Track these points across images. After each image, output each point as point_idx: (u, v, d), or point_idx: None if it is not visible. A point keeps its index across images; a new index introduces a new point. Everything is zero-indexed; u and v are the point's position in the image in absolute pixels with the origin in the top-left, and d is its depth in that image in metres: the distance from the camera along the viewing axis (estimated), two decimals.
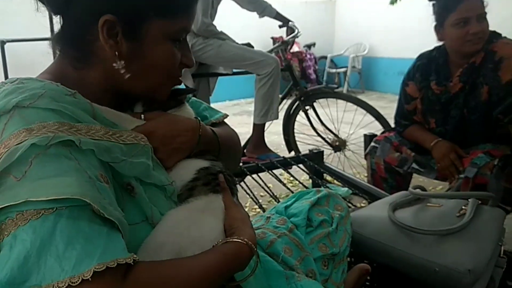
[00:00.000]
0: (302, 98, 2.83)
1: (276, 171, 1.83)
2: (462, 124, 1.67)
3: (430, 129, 1.79)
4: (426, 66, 1.75)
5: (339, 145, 2.92)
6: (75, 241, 0.48)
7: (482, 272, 0.99)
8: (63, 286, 0.46)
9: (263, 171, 1.79)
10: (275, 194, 1.61)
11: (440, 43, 1.72)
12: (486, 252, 1.02)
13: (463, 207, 1.13)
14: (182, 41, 0.72)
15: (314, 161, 1.85)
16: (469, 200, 1.15)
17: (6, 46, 4.30)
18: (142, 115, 0.73)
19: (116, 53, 0.64)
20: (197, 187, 0.72)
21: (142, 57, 0.67)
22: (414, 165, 1.82)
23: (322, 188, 1.11)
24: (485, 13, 1.56)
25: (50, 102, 0.57)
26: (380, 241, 1.10)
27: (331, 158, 2.77)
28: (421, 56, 1.80)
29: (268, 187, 1.66)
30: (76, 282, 0.46)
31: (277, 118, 2.58)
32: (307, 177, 1.92)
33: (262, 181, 1.69)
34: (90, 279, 0.46)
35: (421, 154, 1.80)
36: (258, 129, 2.58)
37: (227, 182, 0.77)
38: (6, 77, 4.27)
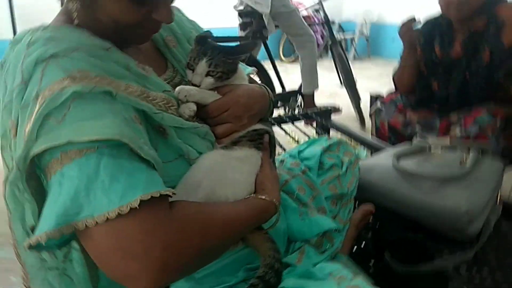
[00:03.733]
0: None
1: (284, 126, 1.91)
2: (464, 87, 1.72)
3: (433, 91, 1.84)
4: (430, 32, 1.79)
5: None
6: (119, 176, 0.52)
7: (478, 215, 1.07)
8: (113, 216, 0.50)
9: (272, 125, 1.86)
10: (283, 147, 1.69)
11: None
12: (483, 198, 1.10)
13: (464, 158, 1.20)
14: None
15: (322, 118, 1.92)
16: (470, 152, 1.22)
17: (15, 0, 4.27)
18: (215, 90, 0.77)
19: None
20: (241, 141, 0.77)
21: (95, 6, 0.62)
22: (417, 128, 1.88)
23: (333, 136, 1.18)
24: None
25: (86, 56, 0.60)
26: (384, 185, 1.18)
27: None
28: (426, 23, 1.84)
29: (277, 141, 1.73)
30: (124, 211, 0.50)
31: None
32: (315, 133, 1.99)
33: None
34: (137, 207, 0.50)
35: (422, 110, 1.86)
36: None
37: (270, 143, 0.83)
38: (14, 30, 4.27)
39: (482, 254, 1.09)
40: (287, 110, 3.29)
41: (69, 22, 0.66)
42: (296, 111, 2.99)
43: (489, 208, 1.14)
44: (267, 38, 3.08)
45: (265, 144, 0.81)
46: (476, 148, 1.24)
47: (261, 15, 2.88)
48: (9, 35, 4.31)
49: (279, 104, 3.27)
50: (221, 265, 0.74)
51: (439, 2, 1.68)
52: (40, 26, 0.64)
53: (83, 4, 0.63)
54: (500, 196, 1.22)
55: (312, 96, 3.19)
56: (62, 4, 0.69)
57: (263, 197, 0.72)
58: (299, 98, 3.28)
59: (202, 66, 0.75)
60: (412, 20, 1.82)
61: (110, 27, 0.65)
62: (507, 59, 1.56)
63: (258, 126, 0.81)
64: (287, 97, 3.26)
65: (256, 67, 2.46)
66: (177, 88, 0.72)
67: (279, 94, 3.24)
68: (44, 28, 0.63)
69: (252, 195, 0.73)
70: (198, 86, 0.76)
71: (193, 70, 0.76)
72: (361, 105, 3.46)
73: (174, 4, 0.69)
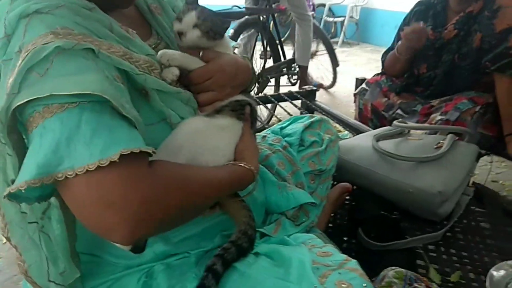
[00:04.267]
0: None
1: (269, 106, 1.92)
2: (452, 69, 1.74)
3: (420, 74, 1.86)
4: (423, 12, 1.80)
5: None
6: (100, 131, 0.53)
7: (450, 196, 1.12)
8: (92, 168, 0.50)
9: (258, 104, 1.87)
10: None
11: None
12: (456, 179, 1.14)
13: (440, 141, 1.24)
14: None
15: (307, 98, 1.93)
16: (447, 135, 1.26)
17: None
18: (200, 53, 0.77)
19: None
20: (224, 110, 0.78)
21: None
22: (399, 111, 1.91)
23: (315, 115, 1.19)
24: None
25: (70, 14, 0.60)
26: (362, 165, 1.21)
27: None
28: (419, 3, 1.84)
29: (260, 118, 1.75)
30: (104, 164, 0.50)
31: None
32: (299, 113, 2.01)
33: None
34: (117, 160, 0.51)
35: (406, 94, 1.89)
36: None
37: (251, 115, 0.84)
38: None
39: (451, 234, 1.14)
40: (287, 77, 3.64)
41: None
42: (295, 77, 3.44)
43: (461, 190, 1.18)
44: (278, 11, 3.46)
45: (246, 115, 0.82)
46: (454, 132, 1.27)
47: None
48: None
49: (274, 74, 3.46)
50: (198, 230, 0.76)
51: None
52: None
53: None
54: (472, 179, 1.26)
55: (306, 67, 3.59)
56: None
57: (242, 164, 0.74)
58: (297, 67, 3.60)
59: (191, 16, 0.75)
60: (424, 29, 1.77)
61: None
62: (497, 44, 1.57)
63: (241, 97, 0.82)
64: (286, 65, 3.54)
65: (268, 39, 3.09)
66: (160, 52, 0.72)
67: (279, 64, 3.47)
68: None
69: (231, 162, 0.75)
70: (184, 37, 0.75)
71: (180, 21, 0.76)
72: (345, 88, 3.57)
73: None
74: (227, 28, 0.81)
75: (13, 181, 0.56)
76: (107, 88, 0.55)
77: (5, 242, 1.74)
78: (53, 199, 0.63)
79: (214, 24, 0.76)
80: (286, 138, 1.09)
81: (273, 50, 3.44)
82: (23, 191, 0.51)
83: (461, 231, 1.15)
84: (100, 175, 0.51)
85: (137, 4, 0.81)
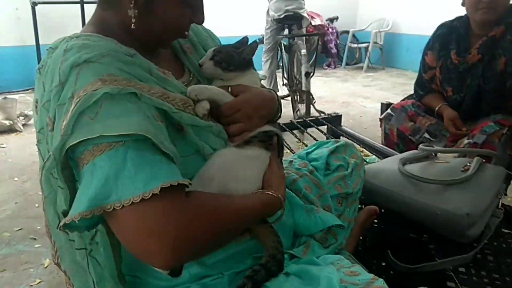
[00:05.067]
0: None
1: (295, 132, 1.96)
2: (477, 93, 1.75)
3: (447, 97, 1.87)
4: (446, 36, 1.83)
5: None
6: (143, 166, 0.59)
7: (478, 218, 1.12)
8: (137, 200, 0.57)
9: (284, 130, 1.92)
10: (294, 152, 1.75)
11: (462, 14, 1.79)
12: (484, 201, 1.14)
13: (467, 164, 1.24)
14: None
15: (332, 124, 1.97)
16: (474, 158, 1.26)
17: (37, 8, 4.40)
18: (229, 88, 0.85)
19: (133, 1, 0.71)
20: (253, 141, 0.84)
21: (153, 13, 0.73)
22: (426, 135, 1.92)
23: (340, 139, 1.23)
24: None
25: (114, 61, 0.68)
26: (388, 188, 1.23)
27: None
28: (442, 26, 1.87)
29: (288, 145, 1.79)
30: (147, 196, 0.57)
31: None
32: (325, 138, 2.04)
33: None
34: (158, 193, 0.57)
35: (433, 121, 1.89)
36: None
37: (278, 145, 0.89)
38: (37, 38, 4.40)
39: (481, 256, 1.13)
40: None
41: (98, 31, 0.74)
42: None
43: (490, 212, 1.18)
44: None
45: (273, 145, 0.87)
46: (481, 155, 1.28)
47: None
48: (32, 41, 4.46)
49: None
50: (230, 253, 0.80)
51: (466, 4, 1.72)
52: (74, 34, 0.73)
53: (141, 11, 0.72)
54: (501, 201, 1.25)
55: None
56: (82, 17, 0.78)
57: (270, 192, 0.79)
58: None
59: (210, 50, 0.87)
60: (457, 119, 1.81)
61: (157, 31, 0.76)
62: None
63: (268, 128, 0.88)
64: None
65: None
66: (189, 88, 0.79)
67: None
68: (78, 36, 0.72)
69: (260, 190, 0.80)
70: (202, 68, 0.86)
71: None
72: (371, 112, 3.54)
73: None
74: (245, 60, 0.88)
75: (63, 212, 0.64)
76: (149, 128, 0.62)
77: (46, 267, 1.83)
78: (99, 226, 0.69)
79: (228, 56, 0.86)
80: (312, 163, 1.12)
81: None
82: (76, 222, 0.58)
83: (491, 253, 1.14)
84: (143, 207, 0.58)
85: (172, 46, 0.89)
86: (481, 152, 1.29)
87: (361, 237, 1.18)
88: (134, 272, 0.78)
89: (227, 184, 0.76)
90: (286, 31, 3.82)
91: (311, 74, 3.38)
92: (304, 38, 3.70)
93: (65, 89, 0.65)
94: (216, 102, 0.82)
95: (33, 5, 4.32)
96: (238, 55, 0.87)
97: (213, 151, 0.78)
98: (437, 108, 1.85)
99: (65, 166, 0.64)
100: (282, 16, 3.68)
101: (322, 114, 2.90)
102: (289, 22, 3.73)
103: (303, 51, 3.43)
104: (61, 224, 0.61)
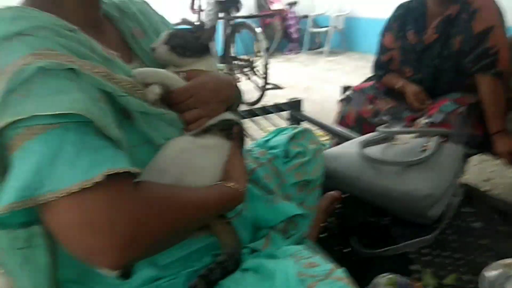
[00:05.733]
0: None
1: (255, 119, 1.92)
2: (435, 73, 1.76)
3: (406, 78, 1.88)
4: (404, 16, 1.82)
5: None
6: (84, 152, 0.52)
7: (439, 198, 1.11)
8: (76, 190, 0.49)
9: (243, 118, 1.87)
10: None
11: None
12: (444, 181, 1.14)
13: (426, 144, 1.24)
14: None
15: (292, 110, 1.94)
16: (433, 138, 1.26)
17: None
18: (183, 73, 0.78)
19: None
20: (213, 129, 0.77)
21: None
22: (385, 118, 1.92)
23: (301, 125, 1.20)
24: None
25: (52, 35, 0.59)
26: (349, 173, 1.21)
27: None
28: (400, 7, 1.86)
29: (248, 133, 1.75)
30: (88, 185, 0.49)
31: None
32: (285, 125, 2.01)
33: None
34: (102, 182, 0.50)
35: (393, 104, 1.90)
36: None
37: (239, 134, 0.83)
38: None
39: (443, 237, 1.14)
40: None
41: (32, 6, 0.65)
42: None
43: (450, 191, 1.18)
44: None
45: (234, 134, 0.81)
46: (439, 135, 1.28)
47: None
48: None
49: None
50: (186, 252, 0.74)
51: None
52: (4, 7, 0.63)
53: None
54: (461, 180, 1.26)
55: None
56: None
57: (230, 184, 0.73)
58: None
59: (164, 34, 0.80)
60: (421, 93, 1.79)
61: None
62: (476, 46, 1.60)
63: (229, 116, 0.82)
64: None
65: None
66: (134, 70, 0.71)
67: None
68: (9, 8, 0.63)
69: (219, 182, 0.74)
70: (155, 52, 0.79)
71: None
72: (332, 97, 3.55)
73: None
74: (202, 45, 0.81)
75: None
76: (91, 108, 0.54)
77: None
78: (36, 227, 0.61)
79: (184, 40, 0.78)
80: (271, 151, 1.08)
81: None
82: (6, 216, 0.50)
83: (453, 233, 1.15)
84: (84, 197, 0.50)
85: (119, 29, 0.81)
86: (439, 132, 1.28)
87: (324, 224, 1.16)
88: (79, 279, 0.70)
89: (182, 176, 0.69)
90: (222, 14, 4.17)
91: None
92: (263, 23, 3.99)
93: None
94: (167, 87, 0.74)
95: None
96: (195, 40, 0.80)
97: (165, 142, 0.71)
98: (397, 86, 1.85)
99: None
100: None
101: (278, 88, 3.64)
102: (229, 4, 4.10)
103: (258, 29, 3.73)
104: None
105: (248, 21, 3.95)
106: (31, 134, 0.52)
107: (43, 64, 0.54)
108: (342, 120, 1.96)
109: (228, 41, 4.08)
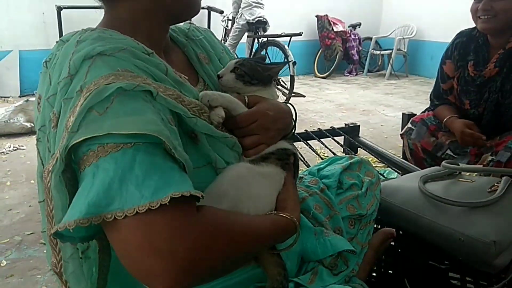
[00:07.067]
0: None
1: (310, 142, 1.89)
2: (497, 108, 1.65)
3: (465, 110, 1.77)
4: (464, 45, 1.73)
5: None
6: (153, 173, 0.53)
7: (507, 246, 1.01)
8: (143, 210, 0.50)
9: (298, 140, 1.85)
10: (310, 164, 1.67)
11: None
12: None
13: (495, 184, 1.14)
14: None
15: (349, 135, 1.88)
16: (502, 178, 1.16)
17: (63, 12, 4.48)
18: (246, 97, 0.81)
19: None
20: (270, 158, 0.79)
21: None
22: (449, 152, 1.81)
23: (355, 155, 1.15)
24: None
25: (130, 57, 0.63)
26: (407, 209, 1.13)
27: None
28: (460, 34, 1.77)
29: (302, 156, 1.72)
30: (155, 206, 0.50)
31: None
32: (341, 150, 1.95)
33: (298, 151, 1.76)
34: (168, 204, 0.50)
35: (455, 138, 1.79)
36: None
37: (294, 165, 0.84)
38: None
39: None
40: None
41: (113, 28, 0.70)
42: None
43: None
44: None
45: (290, 165, 0.82)
46: (508, 172, 1.18)
47: None
48: None
49: None
50: (232, 282, 0.73)
51: (470, 11, 1.64)
52: (88, 28, 0.68)
53: None
54: None
55: None
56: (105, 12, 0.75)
57: (284, 214, 0.72)
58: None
59: (231, 63, 0.84)
60: (481, 140, 1.67)
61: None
62: None
63: (286, 145, 0.83)
64: None
65: None
66: (201, 93, 0.74)
67: None
68: (92, 29, 0.68)
69: (274, 211, 0.74)
70: (221, 79, 0.82)
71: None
72: (392, 121, 3.45)
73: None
74: (269, 76, 0.85)
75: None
76: (163, 130, 0.56)
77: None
78: (93, 242, 0.62)
79: (251, 70, 0.82)
80: (323, 180, 1.05)
81: None
82: (70, 230, 0.51)
83: None
84: (149, 218, 0.51)
85: (187, 53, 0.85)
86: (507, 172, 1.18)
87: (375, 263, 1.10)
88: None
89: (239, 203, 0.70)
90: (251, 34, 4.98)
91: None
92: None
93: (74, 82, 0.59)
94: (229, 111, 0.76)
95: (59, 9, 4.38)
96: (263, 71, 0.83)
97: (226, 165, 0.72)
98: (444, 120, 1.74)
99: (68, 167, 0.57)
100: (255, 21, 4.81)
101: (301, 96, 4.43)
102: (258, 25, 4.84)
103: (286, 46, 4.42)
104: (52, 231, 0.54)
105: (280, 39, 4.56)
106: (104, 152, 0.53)
107: (123, 85, 0.56)
108: (412, 152, 1.88)
109: (255, 55, 4.62)
